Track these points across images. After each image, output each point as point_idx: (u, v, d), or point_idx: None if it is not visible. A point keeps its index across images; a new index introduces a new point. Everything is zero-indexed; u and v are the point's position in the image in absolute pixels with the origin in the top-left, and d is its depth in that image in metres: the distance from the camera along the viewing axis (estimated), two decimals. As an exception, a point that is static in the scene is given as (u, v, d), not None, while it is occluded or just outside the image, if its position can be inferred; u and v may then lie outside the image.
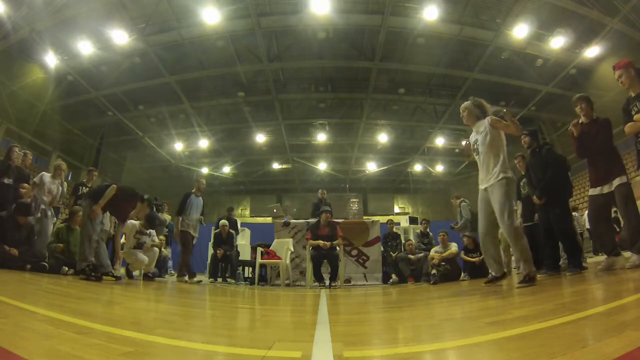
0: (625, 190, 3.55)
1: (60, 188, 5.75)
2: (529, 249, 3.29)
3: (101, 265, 4.55)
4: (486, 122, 3.45)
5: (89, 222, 4.45)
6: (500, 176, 3.26)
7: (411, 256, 6.99)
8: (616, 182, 3.59)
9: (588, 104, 3.86)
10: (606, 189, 3.67)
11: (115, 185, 4.77)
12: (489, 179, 3.37)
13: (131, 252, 5.70)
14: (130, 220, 6.07)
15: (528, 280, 3.15)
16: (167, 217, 8.58)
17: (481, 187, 3.48)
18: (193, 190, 6.37)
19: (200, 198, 6.40)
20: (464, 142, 4.09)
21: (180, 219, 6.15)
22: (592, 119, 3.85)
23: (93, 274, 4.29)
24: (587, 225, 8.68)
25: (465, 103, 3.70)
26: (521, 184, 5.40)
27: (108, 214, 6.84)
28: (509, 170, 3.32)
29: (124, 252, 5.82)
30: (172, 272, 8.34)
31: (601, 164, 3.74)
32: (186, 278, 5.98)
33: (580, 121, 3.89)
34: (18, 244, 4.77)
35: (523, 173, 5.37)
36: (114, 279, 4.54)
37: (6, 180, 5.27)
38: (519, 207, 5.71)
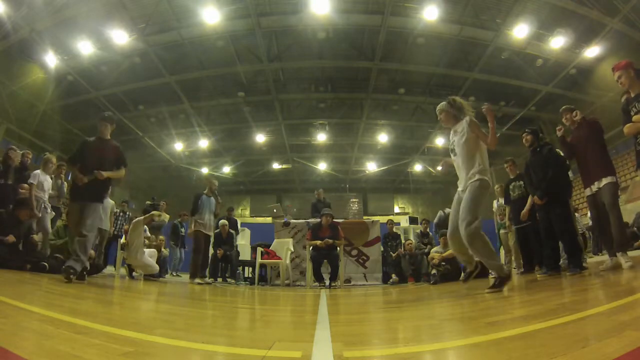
0: (612, 191, 3.65)
1: (51, 182, 5.74)
2: (491, 248, 3.02)
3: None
4: (464, 122, 3.24)
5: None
6: (476, 177, 3.07)
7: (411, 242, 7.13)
8: (604, 181, 3.69)
9: (573, 113, 4.12)
10: (595, 187, 3.79)
11: (69, 164, 4.19)
12: (465, 181, 3.16)
13: (138, 257, 5.65)
14: (134, 220, 6.08)
15: (499, 284, 2.96)
16: (165, 216, 8.57)
17: (459, 189, 3.28)
18: (205, 192, 6.38)
19: (212, 198, 6.43)
20: (440, 167, 3.99)
21: (194, 219, 6.18)
22: (578, 123, 4.06)
23: (85, 273, 3.96)
24: (589, 224, 8.75)
25: (441, 104, 3.47)
26: (510, 187, 5.43)
27: (108, 215, 6.82)
28: (487, 173, 3.13)
29: (127, 255, 5.78)
30: (177, 273, 8.36)
31: (590, 164, 3.86)
32: (197, 279, 5.97)
33: (568, 125, 4.13)
34: (18, 241, 4.79)
35: (512, 177, 5.42)
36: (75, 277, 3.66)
37: (5, 181, 5.27)
38: (507, 210, 5.74)
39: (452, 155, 3.39)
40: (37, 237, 5.13)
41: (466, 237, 2.95)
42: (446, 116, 3.41)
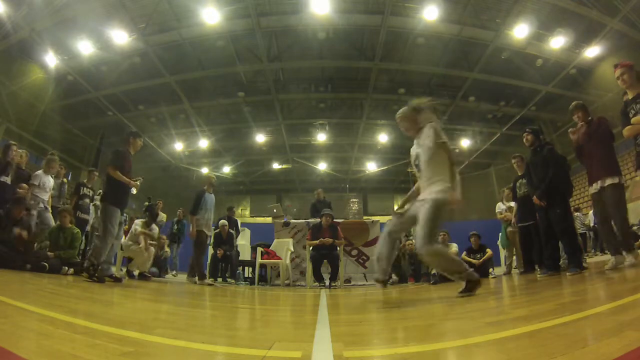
0: (615, 191, 3.63)
1: (52, 182, 5.74)
2: (451, 259, 2.84)
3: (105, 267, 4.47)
4: (426, 130, 2.76)
5: (109, 223, 4.28)
6: (434, 195, 2.68)
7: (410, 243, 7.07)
8: (608, 181, 3.67)
9: (584, 111, 4.05)
10: (597, 186, 3.78)
11: (113, 170, 4.49)
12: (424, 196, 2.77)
13: (136, 248, 5.69)
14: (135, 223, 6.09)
15: (468, 289, 2.73)
16: (163, 215, 8.56)
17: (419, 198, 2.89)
18: (205, 188, 6.25)
19: (213, 195, 6.27)
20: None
21: (196, 218, 5.93)
22: (587, 122, 4.01)
23: (96, 275, 4.09)
24: (591, 224, 8.75)
25: (402, 110, 2.91)
26: (517, 184, 5.41)
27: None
28: (448, 190, 2.73)
29: (125, 248, 5.79)
30: (174, 272, 8.33)
31: (596, 162, 3.84)
32: (196, 279, 5.81)
33: (579, 126, 4.04)
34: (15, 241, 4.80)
35: (520, 174, 5.39)
36: (113, 280, 4.48)
37: (3, 179, 5.24)
38: (514, 208, 5.72)
39: (415, 171, 2.95)
40: (24, 235, 4.99)
41: (426, 256, 2.67)
42: (409, 123, 2.87)
